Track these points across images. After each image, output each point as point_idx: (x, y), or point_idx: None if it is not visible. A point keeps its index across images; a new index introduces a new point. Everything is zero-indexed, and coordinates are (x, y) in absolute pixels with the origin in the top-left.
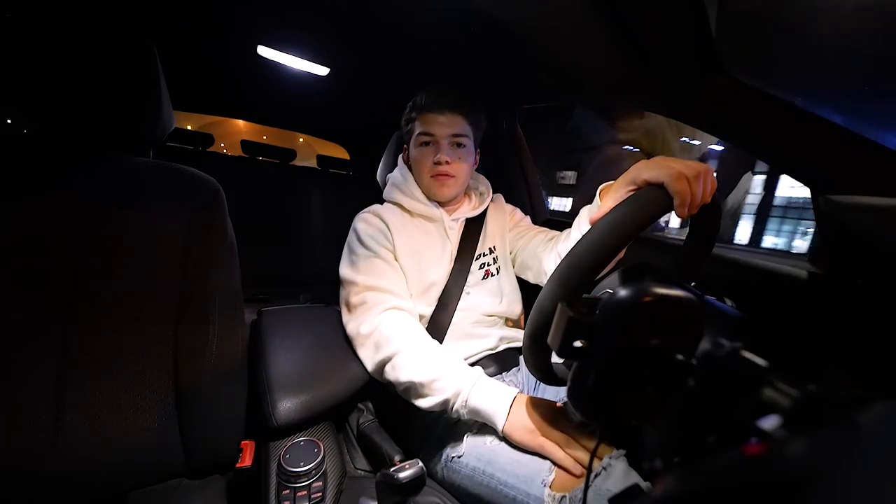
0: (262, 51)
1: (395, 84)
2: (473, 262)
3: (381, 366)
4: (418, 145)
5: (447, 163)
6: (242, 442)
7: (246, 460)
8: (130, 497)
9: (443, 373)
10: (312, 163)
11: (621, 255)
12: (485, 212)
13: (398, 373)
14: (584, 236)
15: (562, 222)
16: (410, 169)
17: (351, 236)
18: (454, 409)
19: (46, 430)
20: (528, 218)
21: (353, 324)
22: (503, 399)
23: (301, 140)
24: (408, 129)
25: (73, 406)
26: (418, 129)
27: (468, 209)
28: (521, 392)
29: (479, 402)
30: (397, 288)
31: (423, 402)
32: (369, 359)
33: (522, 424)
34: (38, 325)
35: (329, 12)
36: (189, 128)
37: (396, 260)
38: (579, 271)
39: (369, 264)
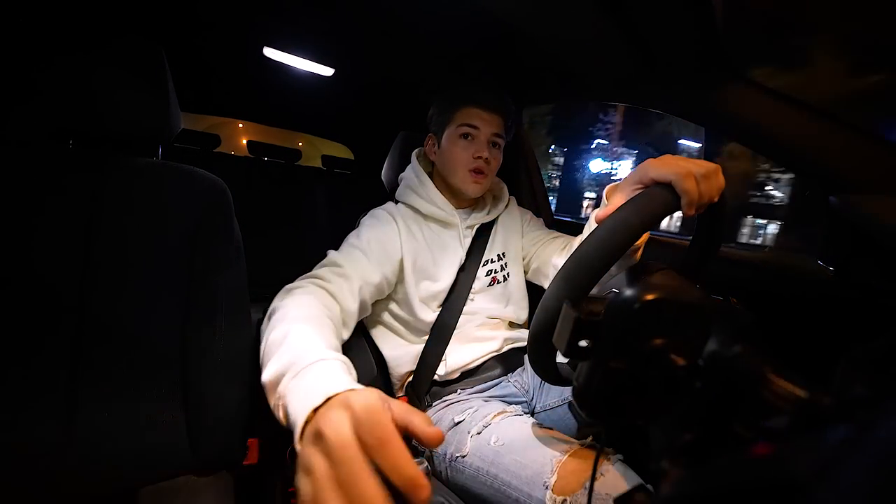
0: (268, 52)
1: (400, 85)
2: (480, 269)
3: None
4: (457, 137)
5: (488, 160)
6: (249, 440)
7: (252, 458)
8: (141, 493)
9: (295, 341)
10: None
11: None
12: (496, 217)
13: (266, 331)
14: (590, 234)
15: (566, 224)
16: (426, 168)
17: (355, 231)
18: (277, 392)
19: (62, 426)
20: (541, 221)
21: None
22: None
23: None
24: (440, 121)
25: (84, 403)
26: (459, 120)
27: (482, 215)
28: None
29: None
30: (357, 279)
31: (263, 374)
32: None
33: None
34: (48, 323)
35: (333, 13)
36: None
37: (402, 266)
38: (585, 270)
39: (349, 253)
